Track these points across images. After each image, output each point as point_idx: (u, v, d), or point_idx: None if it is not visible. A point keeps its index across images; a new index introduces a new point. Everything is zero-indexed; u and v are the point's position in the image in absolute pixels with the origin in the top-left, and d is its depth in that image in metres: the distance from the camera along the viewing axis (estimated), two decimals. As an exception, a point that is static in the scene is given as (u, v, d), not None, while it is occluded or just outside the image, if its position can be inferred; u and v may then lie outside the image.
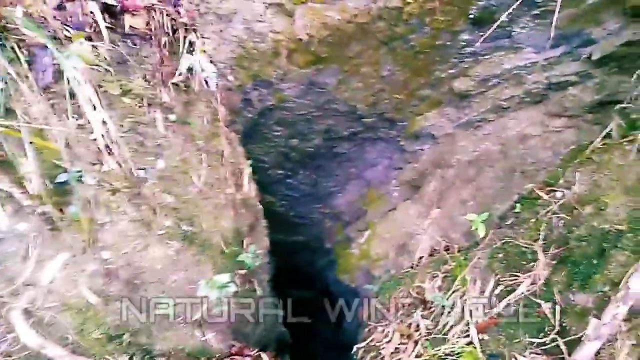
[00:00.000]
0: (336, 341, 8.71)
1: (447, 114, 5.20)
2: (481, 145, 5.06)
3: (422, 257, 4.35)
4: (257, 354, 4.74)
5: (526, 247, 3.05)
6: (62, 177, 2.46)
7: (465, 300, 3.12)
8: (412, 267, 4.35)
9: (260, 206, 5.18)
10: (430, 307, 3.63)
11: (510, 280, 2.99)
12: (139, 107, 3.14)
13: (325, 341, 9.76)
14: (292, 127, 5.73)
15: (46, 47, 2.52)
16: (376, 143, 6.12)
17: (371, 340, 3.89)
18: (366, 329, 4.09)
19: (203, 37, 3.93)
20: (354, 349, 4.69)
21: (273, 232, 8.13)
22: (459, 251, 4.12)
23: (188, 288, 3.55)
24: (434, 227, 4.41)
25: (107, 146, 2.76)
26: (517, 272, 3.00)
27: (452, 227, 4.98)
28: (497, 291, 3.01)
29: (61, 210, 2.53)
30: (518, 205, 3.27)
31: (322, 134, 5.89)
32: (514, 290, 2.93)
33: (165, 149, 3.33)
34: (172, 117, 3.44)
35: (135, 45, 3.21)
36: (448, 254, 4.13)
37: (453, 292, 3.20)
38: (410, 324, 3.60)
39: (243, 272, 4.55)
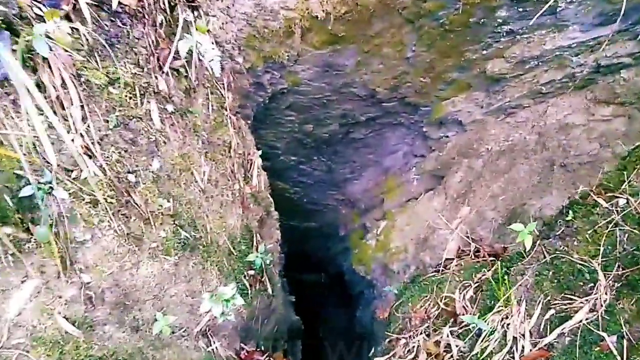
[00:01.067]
0: (348, 328, 8.27)
1: (477, 99, 4.59)
2: (515, 134, 4.45)
3: (450, 259, 3.82)
4: (267, 358, 4.28)
5: (582, 265, 2.50)
6: (26, 191, 1.92)
7: (508, 324, 2.59)
8: (437, 271, 3.83)
9: (271, 199, 4.63)
10: (462, 323, 3.11)
11: (564, 304, 2.45)
12: (130, 98, 2.58)
13: (335, 327, 9.34)
14: (306, 111, 5.16)
15: (4, 28, 1.97)
16: (396, 129, 5.53)
17: (393, 355, 3.40)
18: (386, 340, 3.59)
19: (206, 15, 3.34)
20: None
21: (286, 219, 7.65)
22: (491, 256, 3.57)
23: (191, 300, 3.05)
24: (462, 227, 3.87)
25: (87, 148, 2.21)
26: (572, 294, 2.46)
27: (480, 224, 4.43)
28: (547, 316, 2.48)
29: (27, 230, 2.01)
30: (570, 212, 2.70)
31: (339, 119, 5.31)
32: (569, 316, 2.40)
33: (162, 145, 2.79)
34: (170, 107, 2.89)
35: (124, 25, 2.64)
36: (480, 259, 3.59)
37: (493, 313, 2.67)
38: (439, 341, 3.08)
39: (252, 272, 4.05)
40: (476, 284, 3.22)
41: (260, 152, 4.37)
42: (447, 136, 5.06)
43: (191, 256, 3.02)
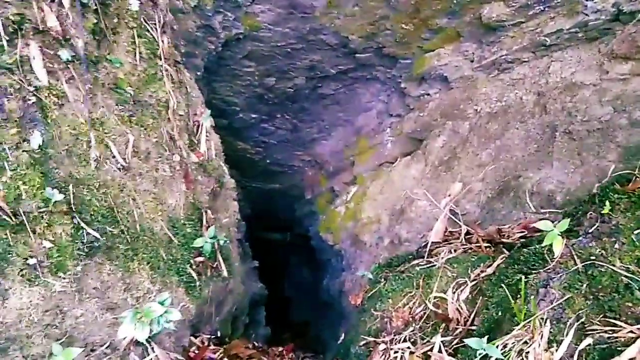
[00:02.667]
0: (314, 288, 7.64)
1: (467, 52, 3.75)
2: (509, 94, 3.66)
3: (436, 243, 3.08)
4: (222, 349, 3.54)
5: (630, 278, 1.79)
6: None
7: (527, 353, 1.89)
8: (421, 256, 3.09)
9: (224, 167, 3.75)
10: (457, 330, 2.40)
11: (606, 332, 1.76)
12: (-9, 40, 1.62)
13: (301, 285, 8.73)
14: (267, 62, 4.23)
15: None
16: (370, 84, 4.66)
17: (370, 363, 2.70)
18: (360, 343, 2.87)
19: None
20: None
21: (248, 181, 6.80)
22: (485, 241, 2.85)
23: (110, 316, 2.21)
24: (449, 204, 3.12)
25: None
26: (616, 317, 1.76)
27: (465, 196, 3.69)
28: (582, 346, 1.78)
29: None
30: (606, 202, 1.96)
31: (305, 72, 4.41)
32: (614, 350, 1.70)
33: (52, 110, 1.87)
34: (66, 54, 1.94)
35: None
36: (473, 245, 2.86)
37: (509, 337, 1.95)
38: (429, 354, 2.38)
39: (201, 259, 3.22)
40: (474, 282, 2.49)
41: (209, 112, 3.44)
42: (429, 94, 4.22)
43: (105, 261, 2.16)
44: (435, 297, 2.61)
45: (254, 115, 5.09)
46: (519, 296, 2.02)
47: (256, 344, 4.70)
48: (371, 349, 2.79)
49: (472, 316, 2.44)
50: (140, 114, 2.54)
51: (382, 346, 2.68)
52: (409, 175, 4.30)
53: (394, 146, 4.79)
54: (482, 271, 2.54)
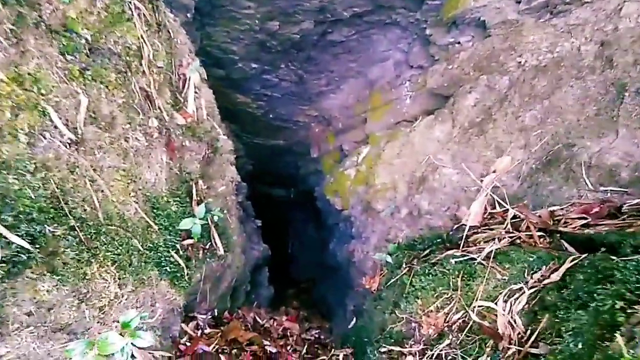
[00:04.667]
0: (318, 245, 7.12)
1: (513, -10, 2.96)
2: (564, 44, 2.91)
3: (474, 228, 2.44)
4: (215, 345, 3.00)
5: None
6: None
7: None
8: (456, 244, 2.47)
9: (219, 129, 3.07)
10: (508, 350, 1.81)
11: None
12: None
13: (305, 243, 8.22)
14: (269, 2, 3.46)
15: None
16: (388, 30, 3.87)
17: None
18: (382, 349, 2.30)
19: None
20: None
21: (249, 136, 6.10)
22: (544, 232, 2.21)
23: (66, 336, 1.62)
24: (490, 182, 2.45)
25: None
26: None
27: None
28: None
29: None
30: None
31: (314, 15, 3.63)
32: None
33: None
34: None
35: None
36: (522, 234, 2.22)
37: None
38: (471, 379, 1.81)
39: (191, 241, 2.61)
40: (532, 289, 1.88)
41: (198, 62, 2.71)
42: (460, 43, 3.46)
43: (43, 274, 1.52)
44: (479, 306, 2.00)
45: (254, 65, 4.32)
46: (616, 331, 1.39)
47: (257, 319, 4.19)
48: (394, 357, 2.21)
49: (529, 334, 1.83)
50: (98, 66, 1.83)
51: (409, 358, 2.10)
52: (433, 137, 3.61)
53: (414, 103, 4.07)
54: (543, 276, 1.91)
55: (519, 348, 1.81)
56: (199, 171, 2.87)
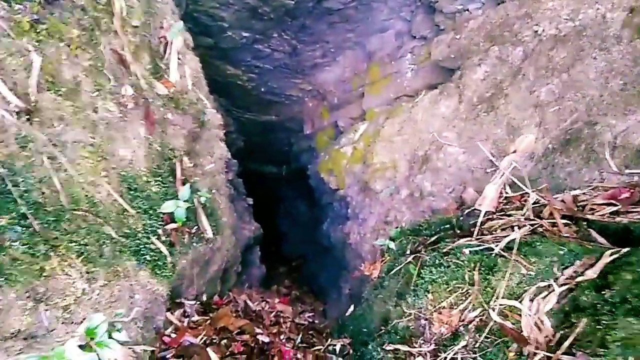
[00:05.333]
0: (307, 224, 6.87)
1: (534, -51, 2.63)
2: (587, 10, 2.59)
3: (490, 214, 2.17)
4: (202, 336, 2.72)
5: None
6: None
7: None
8: (470, 233, 2.19)
9: (206, 100, 2.73)
10: (535, 356, 1.55)
11: None
12: None
13: (297, 220, 7.96)
14: (261, -38, 3.08)
15: None
16: (391, -4, 3.52)
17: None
18: (387, 347, 2.04)
19: None
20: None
21: (239, 111, 5.73)
22: (570, 220, 1.94)
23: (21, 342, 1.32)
24: (508, 162, 2.16)
25: None
26: None
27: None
28: None
29: None
30: None
31: (310, -22, 3.26)
32: None
33: None
34: None
35: None
36: (545, 221, 1.95)
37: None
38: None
39: (174, 225, 2.30)
40: (564, 287, 1.61)
41: (181, 24, 2.36)
42: (469, 10, 3.13)
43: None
44: (501, 305, 1.73)
45: (245, 34, 3.95)
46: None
47: (249, 303, 3.93)
48: (401, 357, 1.95)
49: (559, 338, 1.57)
50: (57, 20, 1.49)
51: (418, 360, 1.85)
52: (437, 113, 3.30)
53: (416, 76, 3.75)
54: (576, 272, 1.64)
55: (548, 354, 1.55)
56: (184, 147, 2.55)
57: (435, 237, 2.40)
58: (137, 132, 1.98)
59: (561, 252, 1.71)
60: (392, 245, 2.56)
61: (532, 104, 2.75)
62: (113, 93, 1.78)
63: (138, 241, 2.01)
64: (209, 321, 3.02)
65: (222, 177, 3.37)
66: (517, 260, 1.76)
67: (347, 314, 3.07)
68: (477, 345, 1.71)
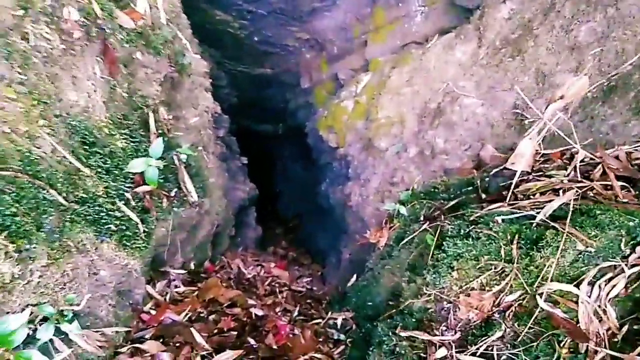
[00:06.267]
0: (304, 184, 6.48)
1: None
2: None
3: (525, 175, 1.76)
4: (188, 311, 2.35)
5: None
6: None
7: None
8: (500, 197, 1.78)
9: (184, 40, 2.26)
10: (596, 354, 1.18)
11: None
12: None
13: (294, 181, 7.56)
14: None
15: None
16: None
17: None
18: (402, 333, 1.67)
19: None
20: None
21: (231, 63, 5.19)
22: (628, 182, 1.54)
23: None
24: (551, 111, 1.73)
25: None
26: None
27: (542, 93, 2.32)
28: None
29: None
30: None
31: None
32: None
33: None
34: None
35: None
36: (598, 185, 1.55)
37: None
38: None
39: (147, 188, 1.88)
40: (635, 267, 1.23)
41: (149, -60, 1.85)
42: None
43: None
44: (550, 289, 1.35)
45: (234, -28, 3.41)
46: None
47: (242, 269, 3.58)
48: (417, 345, 1.59)
49: (624, 332, 1.20)
50: None
51: (442, 352, 1.48)
52: (452, 60, 2.84)
53: (426, 20, 3.25)
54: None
55: (612, 353, 1.18)
56: (159, 96, 2.09)
57: (455, 201, 1.99)
58: (91, 72, 1.53)
59: (631, 224, 1.30)
60: (403, 210, 2.16)
61: (568, 46, 2.29)
62: (50, 15, 1.32)
63: (98, 208, 1.60)
64: (196, 292, 2.66)
65: (209, 133, 2.93)
66: (571, 233, 1.36)
67: (349, 284, 2.71)
68: (516, 338, 1.34)
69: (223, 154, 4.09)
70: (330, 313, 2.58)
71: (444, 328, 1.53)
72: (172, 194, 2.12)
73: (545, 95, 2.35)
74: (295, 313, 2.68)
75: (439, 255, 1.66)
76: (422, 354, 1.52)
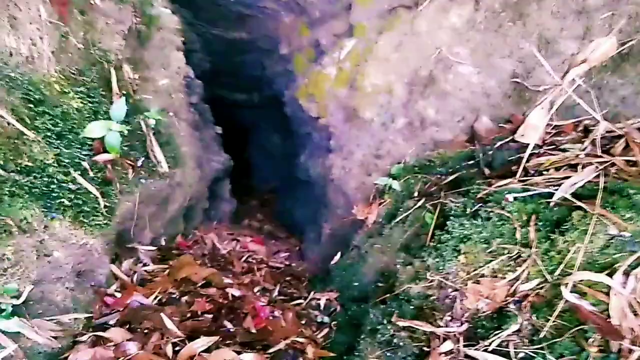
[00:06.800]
0: (280, 156, 6.25)
1: None
2: None
3: (537, 147, 1.56)
4: (158, 292, 2.11)
5: None
6: None
7: None
8: (509, 173, 1.58)
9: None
10: (631, 354, 1.02)
11: None
12: None
13: (265, 150, 7.28)
14: None
15: None
16: None
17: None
18: (398, 323, 1.48)
19: None
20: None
21: (204, 25, 4.80)
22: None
23: None
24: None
25: None
26: None
27: (548, 57, 2.12)
28: None
29: None
30: None
31: None
32: None
33: None
34: None
35: None
36: (620, 161, 1.37)
37: None
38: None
39: (107, 157, 1.60)
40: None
41: None
42: None
43: None
44: (578, 279, 1.17)
45: None
46: None
47: (217, 245, 3.33)
48: (418, 337, 1.40)
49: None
50: None
51: (446, 345, 1.30)
52: (446, 25, 2.60)
53: (418, -20, 2.97)
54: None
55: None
56: (123, 51, 1.78)
57: (454, 176, 1.79)
58: (35, 13, 1.22)
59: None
60: (395, 184, 1.95)
61: (575, 9, 2.08)
62: None
63: (47, 179, 1.32)
64: (167, 270, 2.41)
65: (181, 98, 2.63)
66: (602, 215, 1.18)
67: (332, 262, 2.51)
68: (536, 333, 1.16)
69: (196, 122, 3.77)
70: (312, 293, 2.38)
71: (449, 318, 1.34)
72: (139, 163, 1.84)
73: (550, 63, 2.15)
74: (275, 293, 2.47)
75: (442, 237, 1.46)
76: (424, 347, 1.33)
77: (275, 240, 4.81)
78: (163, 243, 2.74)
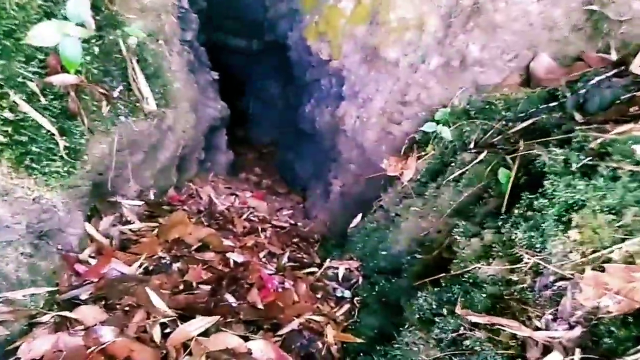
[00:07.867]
0: (280, 107, 5.72)
1: None
2: None
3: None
4: (144, 258, 1.66)
5: None
6: None
7: None
8: (615, 116, 1.12)
9: None
10: None
11: None
12: None
13: (264, 100, 6.72)
14: None
15: None
16: None
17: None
18: (460, 320, 1.07)
19: None
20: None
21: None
22: None
23: None
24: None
25: None
26: None
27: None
28: None
29: None
30: None
31: None
32: None
33: None
34: None
35: None
36: None
37: None
38: None
39: (70, 79, 1.08)
40: None
41: None
42: None
43: None
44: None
45: None
46: None
47: (214, 199, 2.88)
48: (501, 340, 0.98)
49: None
50: None
51: (555, 357, 0.87)
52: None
53: None
54: None
55: None
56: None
57: (530, 121, 1.32)
58: None
59: None
60: (446, 132, 1.47)
61: None
62: None
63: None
64: (156, 231, 1.96)
65: (173, 22, 2.08)
66: None
67: (352, 226, 2.07)
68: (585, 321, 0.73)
69: (190, 62, 3.22)
70: (328, 261, 1.95)
71: (550, 317, 0.90)
72: (115, 94, 1.34)
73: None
74: (285, 260, 2.03)
75: (535, 202, 1.00)
76: (514, 356, 0.89)
77: (275, 196, 4.37)
78: (152, 197, 2.27)
